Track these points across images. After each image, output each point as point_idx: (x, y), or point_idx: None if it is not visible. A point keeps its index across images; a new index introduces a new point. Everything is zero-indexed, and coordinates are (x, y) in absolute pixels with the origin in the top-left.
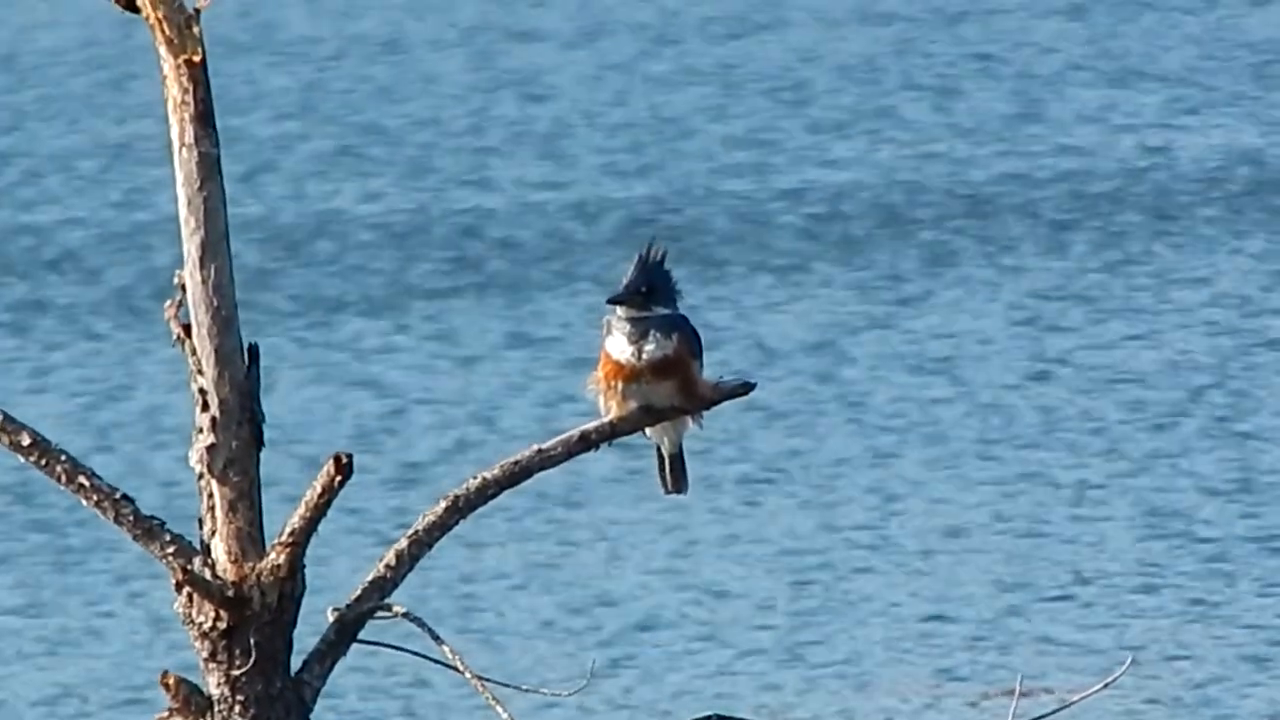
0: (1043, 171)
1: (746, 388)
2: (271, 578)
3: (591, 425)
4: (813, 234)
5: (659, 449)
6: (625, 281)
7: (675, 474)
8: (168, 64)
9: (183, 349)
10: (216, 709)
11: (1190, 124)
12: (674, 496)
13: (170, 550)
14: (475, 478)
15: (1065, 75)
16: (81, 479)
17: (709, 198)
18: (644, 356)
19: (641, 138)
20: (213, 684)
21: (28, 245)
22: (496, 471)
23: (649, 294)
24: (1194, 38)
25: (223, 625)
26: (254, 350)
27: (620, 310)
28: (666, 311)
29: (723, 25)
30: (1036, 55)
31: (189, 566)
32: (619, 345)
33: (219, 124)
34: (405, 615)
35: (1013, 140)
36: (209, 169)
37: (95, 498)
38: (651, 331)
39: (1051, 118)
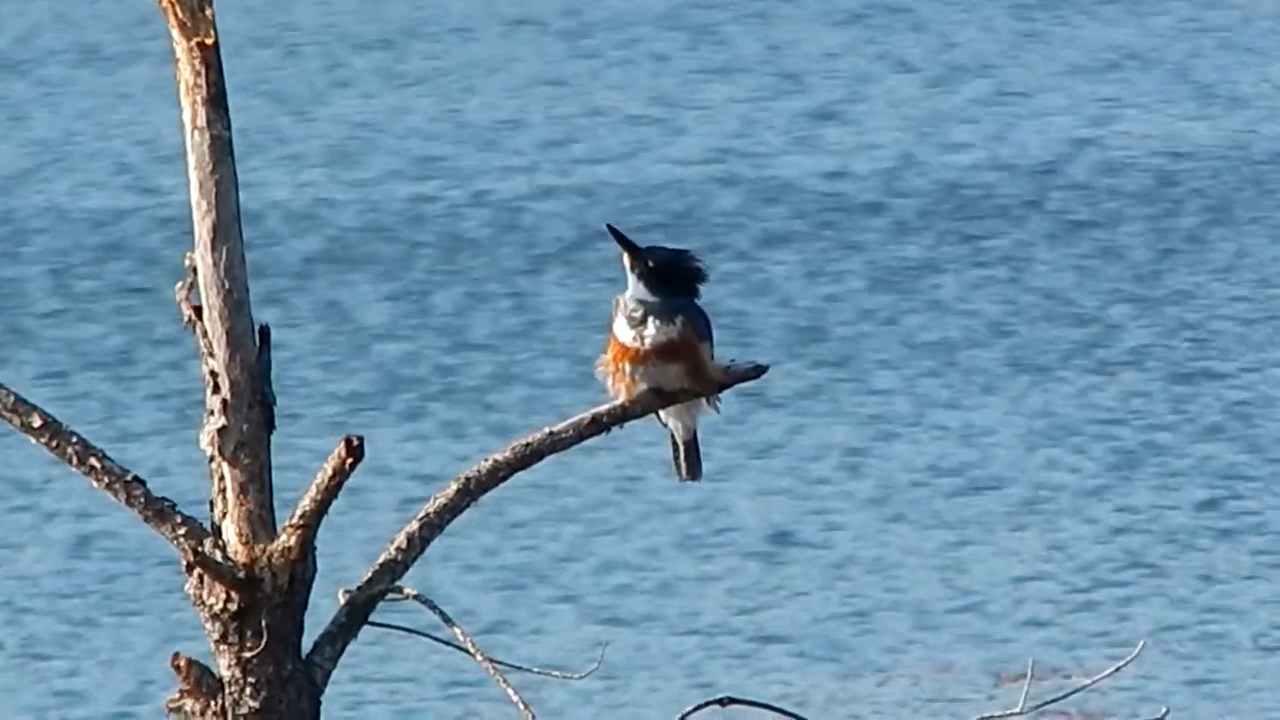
0: (1028, 161)
1: (759, 371)
2: (282, 560)
3: (603, 408)
4: (812, 222)
5: (673, 436)
6: (653, 248)
7: (690, 461)
8: (180, 47)
9: (194, 331)
10: (227, 691)
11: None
12: (688, 483)
13: (181, 532)
14: (486, 460)
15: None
16: (93, 460)
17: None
18: (647, 340)
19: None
20: (223, 666)
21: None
22: (508, 454)
23: (667, 278)
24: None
25: (234, 607)
26: (265, 332)
27: (629, 291)
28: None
29: (726, 12)
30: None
31: (200, 548)
32: (624, 327)
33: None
34: (416, 597)
35: (998, 134)
36: (221, 152)
37: (106, 479)
38: (657, 314)
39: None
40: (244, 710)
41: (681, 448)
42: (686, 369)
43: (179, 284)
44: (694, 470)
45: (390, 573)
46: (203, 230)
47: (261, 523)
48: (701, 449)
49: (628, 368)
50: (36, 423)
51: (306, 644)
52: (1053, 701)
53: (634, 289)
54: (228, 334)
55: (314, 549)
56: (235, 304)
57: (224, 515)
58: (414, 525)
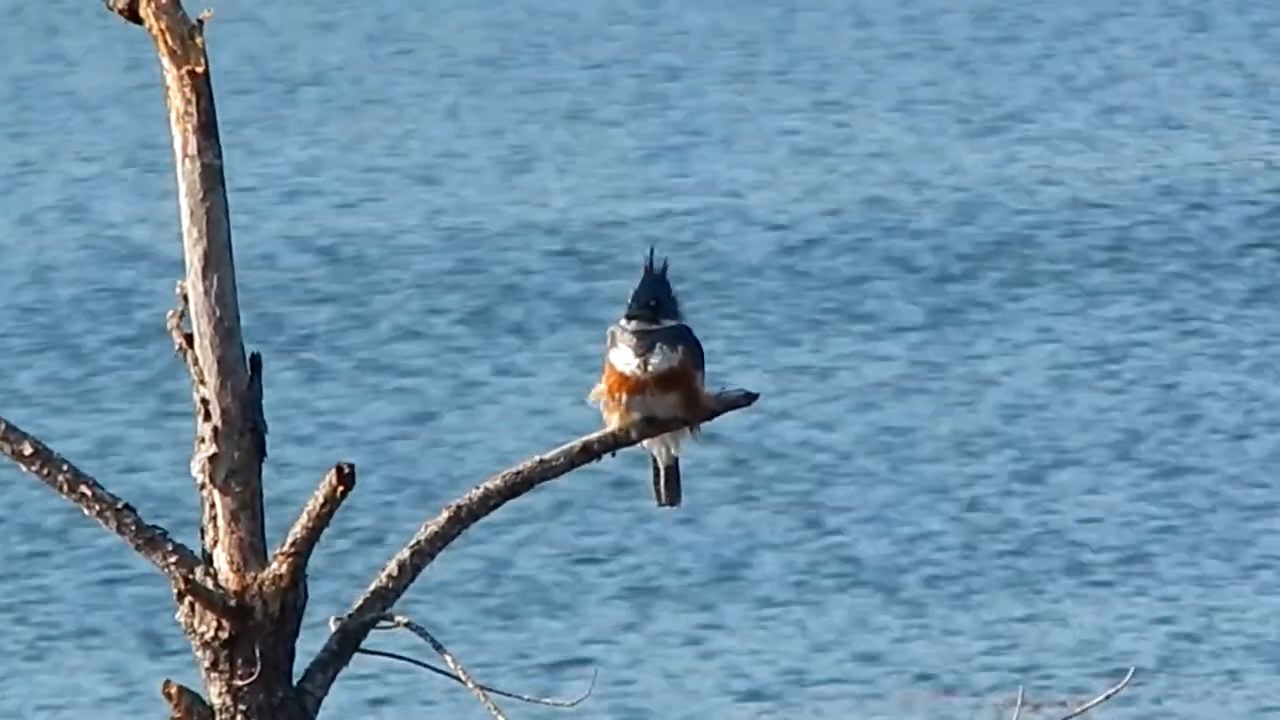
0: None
1: (749, 398)
2: (273, 587)
3: (594, 436)
4: (798, 267)
5: (654, 460)
6: (634, 293)
7: (670, 486)
8: (171, 75)
9: (185, 359)
10: (219, 718)
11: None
12: (667, 508)
13: (172, 560)
14: (477, 488)
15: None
16: (83, 488)
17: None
18: (649, 369)
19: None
20: (214, 694)
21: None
22: (498, 481)
23: (657, 306)
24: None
25: (225, 635)
26: (256, 360)
27: (628, 323)
28: (672, 323)
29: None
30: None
31: (191, 576)
32: (624, 357)
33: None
34: (408, 625)
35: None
36: (212, 180)
37: (97, 507)
38: (657, 344)
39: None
40: None
41: (662, 473)
42: (682, 397)
43: (170, 312)
44: (673, 495)
45: (381, 600)
46: (194, 258)
47: (253, 550)
48: (681, 474)
49: (623, 397)
50: (28, 450)
51: (298, 672)
52: None
53: (636, 323)
54: (219, 362)
55: (305, 576)
56: (226, 332)
57: (215, 543)
58: (405, 553)
